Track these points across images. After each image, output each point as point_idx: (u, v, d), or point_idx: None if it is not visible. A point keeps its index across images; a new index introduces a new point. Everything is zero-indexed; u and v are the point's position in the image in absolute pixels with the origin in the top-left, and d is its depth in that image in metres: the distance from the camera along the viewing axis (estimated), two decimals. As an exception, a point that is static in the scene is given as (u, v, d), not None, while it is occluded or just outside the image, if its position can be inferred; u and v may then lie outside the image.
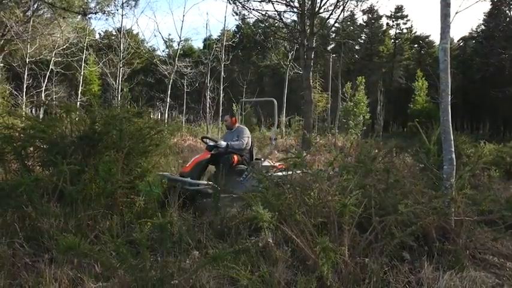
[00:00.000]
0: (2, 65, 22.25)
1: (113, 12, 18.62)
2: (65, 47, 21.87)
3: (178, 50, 21.01)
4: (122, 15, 19.08)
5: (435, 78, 6.79)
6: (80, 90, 24.35)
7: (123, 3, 18.72)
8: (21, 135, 5.70)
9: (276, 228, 3.93)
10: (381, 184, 3.81)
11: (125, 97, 19.84)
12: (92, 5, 19.36)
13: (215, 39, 26.30)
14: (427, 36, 46.06)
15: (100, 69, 24.73)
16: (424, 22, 79.58)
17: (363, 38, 44.54)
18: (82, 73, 24.05)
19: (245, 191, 4.93)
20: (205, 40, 35.60)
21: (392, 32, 46.28)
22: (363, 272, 3.14)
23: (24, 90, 21.78)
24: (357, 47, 41.88)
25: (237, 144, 5.91)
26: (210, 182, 5.21)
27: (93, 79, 28.58)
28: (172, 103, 25.05)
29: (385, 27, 46.30)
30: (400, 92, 40.74)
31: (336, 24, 17.95)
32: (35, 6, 19.60)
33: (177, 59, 19.83)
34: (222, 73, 19.93)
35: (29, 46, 20.47)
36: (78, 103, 19.72)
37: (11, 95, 23.04)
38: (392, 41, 45.52)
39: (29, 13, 19.83)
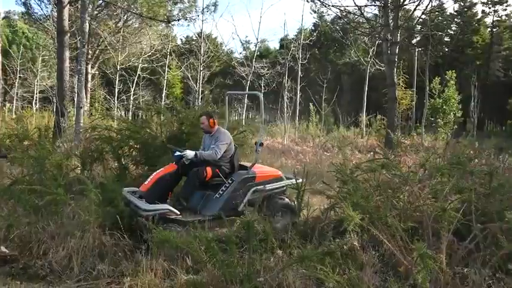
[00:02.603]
0: (97, 72, 24.71)
1: (194, 18, 19.64)
2: (150, 53, 23.60)
3: (256, 51, 21.47)
4: (202, 21, 20.01)
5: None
6: (163, 93, 26.12)
7: (203, 9, 19.65)
8: (118, 136, 6.31)
9: (361, 231, 3.84)
10: (482, 188, 3.52)
11: (206, 99, 20.78)
12: (175, 12, 20.64)
13: (292, 38, 26.38)
14: (532, 23, 41.23)
15: (182, 73, 26.22)
16: (528, 7, 71.27)
17: (454, 28, 41.30)
18: (166, 77, 25.73)
19: (221, 210, 4.44)
20: (281, 40, 35.91)
21: (488, 20, 42.21)
22: (462, 282, 2.94)
23: (116, 94, 24.00)
24: (446, 39, 38.95)
25: (207, 154, 4.82)
26: (167, 206, 4.30)
27: (176, 83, 30.41)
28: (250, 104, 25.66)
29: (480, 15, 42.41)
30: (498, 86, 37.00)
31: (423, 16, 16.87)
32: (125, 17, 21.42)
33: (254, 60, 20.26)
34: (299, 72, 19.91)
35: (119, 54, 22.47)
36: (163, 106, 21.17)
37: (105, 99, 25.54)
38: (489, 30, 41.52)
39: (119, 24, 21.76)
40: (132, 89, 24.89)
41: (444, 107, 22.01)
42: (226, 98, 5.34)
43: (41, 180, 4.75)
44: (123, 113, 25.30)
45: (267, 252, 3.44)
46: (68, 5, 12.69)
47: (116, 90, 24.05)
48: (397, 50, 14.23)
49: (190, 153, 4.75)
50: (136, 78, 24.79)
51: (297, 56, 19.76)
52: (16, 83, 27.11)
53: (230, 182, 4.75)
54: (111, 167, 6.23)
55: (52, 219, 4.05)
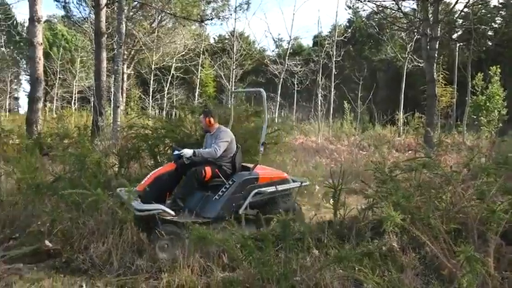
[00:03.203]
0: (132, 72, 25.45)
1: (227, 17, 19.80)
2: (184, 53, 24.04)
3: (288, 49, 21.38)
4: (235, 19, 20.14)
5: None
6: (196, 92, 26.53)
7: (236, 8, 19.77)
8: (154, 134, 6.48)
9: (401, 232, 3.75)
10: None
11: (240, 97, 20.98)
12: (208, 12, 20.89)
13: (325, 35, 26.09)
14: None
15: (214, 72, 26.55)
16: None
17: (498, 21, 39.41)
18: (199, 76, 26.13)
19: (220, 213, 4.36)
20: (315, 37, 35.58)
21: (536, 11, 39.97)
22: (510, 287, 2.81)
23: (150, 94, 24.64)
24: (490, 33, 37.24)
25: (207, 152, 4.68)
26: (161, 206, 4.13)
27: (209, 81, 30.80)
28: (282, 102, 25.61)
29: (526, 7, 40.23)
30: (548, 82, 34.99)
31: (465, 9, 16.20)
32: (159, 17, 21.91)
33: (287, 57, 20.19)
34: (333, 70, 19.66)
35: (154, 54, 23.03)
36: (196, 105, 21.55)
37: (140, 99, 26.28)
38: (537, 22, 39.34)
39: (154, 24, 22.29)
40: (166, 88, 25.46)
41: (488, 104, 21.07)
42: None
43: (81, 178, 4.94)
44: (157, 111, 25.95)
45: (303, 251, 3.43)
46: (105, 7, 13.14)
47: (151, 89, 24.70)
48: (437, 45, 13.73)
49: (188, 152, 4.60)
50: (170, 78, 25.35)
51: (331, 53, 19.51)
52: (56, 83, 28.34)
53: (230, 183, 4.56)
54: (147, 165, 6.40)
55: (92, 215, 4.21)
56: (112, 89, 20.76)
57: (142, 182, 4.46)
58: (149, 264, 3.72)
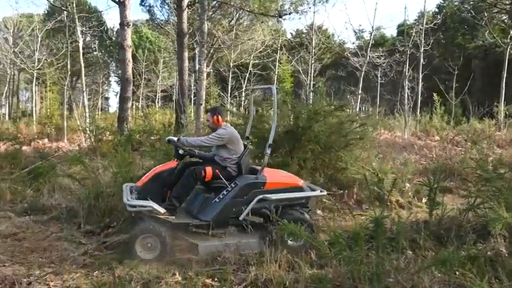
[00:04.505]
0: (211, 70, 26.45)
1: (305, 10, 19.67)
2: (261, 49, 24.38)
3: (371, 40, 20.60)
4: (314, 13, 19.92)
5: None
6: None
7: (315, 1, 19.55)
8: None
9: (510, 235, 3.43)
10: None
11: (320, 92, 20.77)
12: (286, 6, 20.94)
13: (411, 23, 24.68)
14: None
15: (292, 67, 26.56)
16: None
17: None
18: (276, 72, 26.33)
19: (216, 217, 4.13)
20: (399, 26, 33.84)
21: None
22: None
23: (229, 91, 25.43)
24: None
25: (193, 139, 4.61)
26: (150, 203, 4.03)
27: (286, 77, 30.88)
28: (364, 96, 24.80)
29: None
30: None
31: None
32: (237, 15, 22.47)
33: (369, 49, 19.48)
34: (421, 60, 18.51)
35: (232, 52, 23.69)
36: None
37: (219, 96, 27.26)
38: None
39: (232, 22, 22.92)
40: (244, 85, 26.06)
41: None
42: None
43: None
44: (235, 108, 26.69)
45: (397, 252, 3.29)
46: (187, 8, 13.83)
47: (229, 87, 25.47)
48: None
49: (172, 138, 4.48)
50: (247, 75, 25.88)
51: (419, 42, 18.39)
52: (141, 83, 30.51)
53: (233, 185, 4.29)
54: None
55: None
56: (192, 87, 21.89)
57: (142, 178, 4.42)
58: (236, 256, 3.85)
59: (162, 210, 4.06)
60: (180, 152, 4.41)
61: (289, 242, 4.11)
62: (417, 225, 3.90)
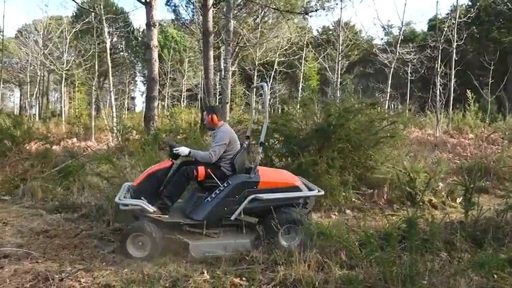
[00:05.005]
0: (236, 69, 26.56)
1: (332, 7, 19.42)
2: (287, 47, 24.29)
3: (400, 36, 20.16)
4: (341, 9, 19.66)
5: None
6: (300, 86, 26.64)
7: (342, -4, 19.24)
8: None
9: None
10: None
11: (348, 90, 20.50)
12: (313, 3, 20.75)
13: (443, 18, 24.01)
14: None
15: (319, 65, 26.36)
16: None
17: None
18: (302, 70, 26.18)
19: (207, 216, 4.12)
20: (430, 20, 33.02)
21: None
22: None
23: (254, 89, 25.46)
24: None
25: (201, 156, 4.47)
26: (140, 202, 4.11)
27: (312, 75, 30.72)
28: (393, 93, 24.33)
29: None
30: None
31: None
32: (262, 13, 22.46)
33: (398, 45, 19.07)
34: (454, 55, 17.97)
35: (257, 50, 23.70)
36: (299, 98, 21.64)
37: (244, 95, 27.36)
38: None
39: (257, 20, 22.92)
40: (270, 84, 26.03)
41: None
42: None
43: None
44: (260, 107, 26.70)
45: (432, 253, 3.21)
46: (212, 7, 13.92)
47: (254, 85, 25.48)
48: None
49: (184, 150, 4.47)
50: (273, 73, 25.85)
51: (451, 37, 17.86)
52: (167, 83, 30.99)
53: (225, 185, 4.28)
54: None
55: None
56: (217, 86, 22.04)
57: (138, 177, 4.53)
58: (265, 256, 3.85)
59: (151, 209, 4.13)
60: (175, 151, 4.47)
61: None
62: (452, 226, 3.78)
